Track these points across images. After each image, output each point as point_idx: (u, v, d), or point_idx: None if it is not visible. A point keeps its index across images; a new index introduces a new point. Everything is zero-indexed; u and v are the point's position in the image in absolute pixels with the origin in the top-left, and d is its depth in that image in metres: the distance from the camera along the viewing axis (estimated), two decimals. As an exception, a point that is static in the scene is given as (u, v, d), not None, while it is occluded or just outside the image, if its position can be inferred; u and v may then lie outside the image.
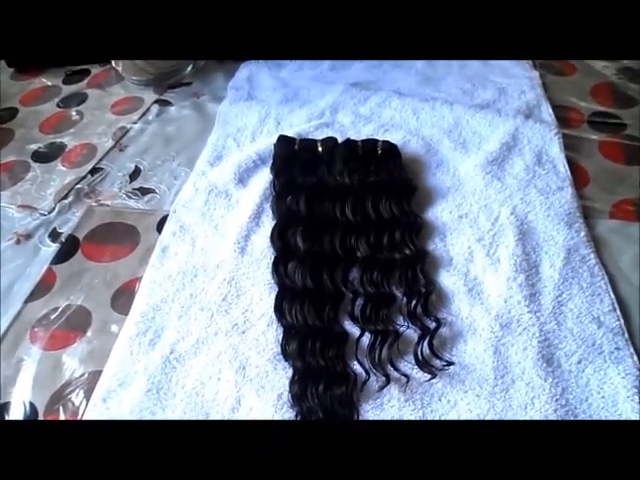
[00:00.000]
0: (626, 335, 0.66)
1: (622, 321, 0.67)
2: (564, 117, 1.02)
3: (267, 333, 0.70)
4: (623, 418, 0.58)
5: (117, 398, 0.66)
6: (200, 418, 0.63)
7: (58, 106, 1.22)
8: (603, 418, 0.58)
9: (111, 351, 0.71)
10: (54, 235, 0.90)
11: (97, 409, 0.65)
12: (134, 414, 0.64)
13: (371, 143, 0.93)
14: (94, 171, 1.03)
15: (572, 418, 0.58)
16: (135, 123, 1.14)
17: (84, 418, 0.65)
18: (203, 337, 0.70)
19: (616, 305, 0.69)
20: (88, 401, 0.67)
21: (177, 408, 0.64)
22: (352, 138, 0.95)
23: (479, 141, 0.97)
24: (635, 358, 0.63)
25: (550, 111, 1.02)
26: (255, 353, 0.68)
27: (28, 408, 0.67)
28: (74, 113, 1.19)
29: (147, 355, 0.69)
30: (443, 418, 0.60)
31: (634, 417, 0.58)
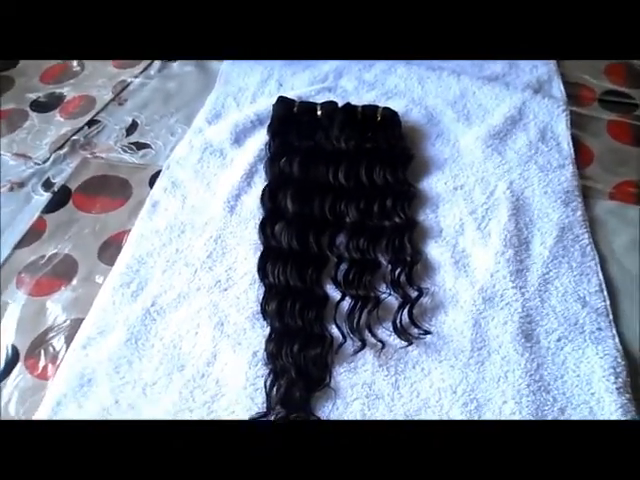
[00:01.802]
0: (610, 316, 0.64)
1: (607, 302, 0.66)
2: (575, 94, 0.98)
3: (248, 292, 0.70)
4: (596, 397, 0.57)
5: (96, 346, 0.66)
6: (176, 370, 0.63)
7: (60, 56, 1.20)
8: (575, 395, 0.58)
9: (94, 300, 0.72)
10: (47, 184, 0.90)
11: (76, 355, 0.66)
12: (112, 362, 0.64)
13: (371, 109, 0.91)
14: (91, 123, 1.01)
15: (544, 394, 0.58)
16: (136, 77, 1.12)
17: (63, 363, 0.66)
18: (185, 292, 0.71)
19: (603, 286, 0.67)
20: (68, 347, 0.67)
21: (154, 359, 0.64)
22: (353, 103, 0.93)
23: (483, 114, 0.94)
24: (616, 340, 0.62)
25: (561, 87, 0.99)
26: (235, 310, 0.68)
27: (10, 350, 0.68)
28: (75, 64, 1.17)
29: (129, 306, 0.70)
30: (415, 385, 0.59)
31: (607, 397, 0.57)
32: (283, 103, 0.94)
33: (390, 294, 0.68)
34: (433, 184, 0.82)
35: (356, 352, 0.62)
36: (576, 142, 0.88)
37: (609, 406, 0.56)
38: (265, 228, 0.76)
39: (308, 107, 0.93)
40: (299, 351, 0.62)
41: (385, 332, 0.64)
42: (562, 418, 0.56)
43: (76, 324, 0.70)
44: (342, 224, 0.76)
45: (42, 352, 0.68)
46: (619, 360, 0.60)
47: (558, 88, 0.99)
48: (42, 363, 0.67)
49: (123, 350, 0.65)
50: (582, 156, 0.86)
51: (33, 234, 0.82)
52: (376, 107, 0.91)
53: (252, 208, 0.80)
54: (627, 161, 0.85)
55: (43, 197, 0.88)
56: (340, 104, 0.93)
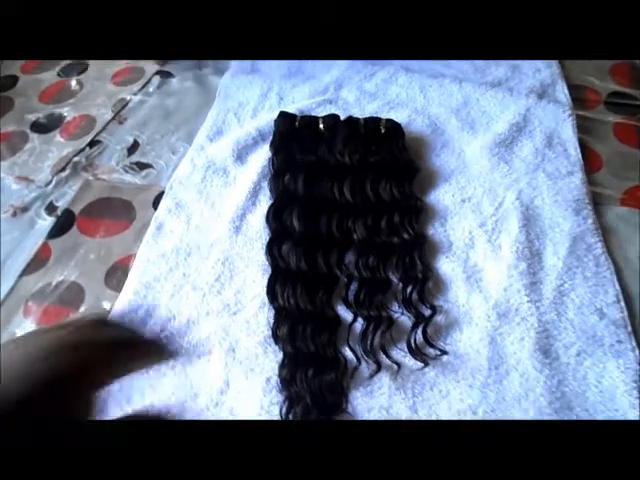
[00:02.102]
0: (629, 328, 0.63)
1: (626, 313, 0.65)
2: (580, 97, 0.97)
3: (258, 315, 0.69)
4: (620, 413, 0.56)
5: (106, 376, 0.65)
6: (189, 399, 0.62)
7: (59, 75, 1.19)
8: (599, 412, 0.57)
9: (103, 328, 0.71)
10: (50, 208, 0.89)
11: (86, 386, 0.65)
12: (123, 392, 0.63)
13: (374, 121, 0.90)
14: (92, 144, 1.01)
15: (567, 411, 0.57)
16: (135, 95, 1.11)
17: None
18: (194, 317, 0.70)
19: (620, 297, 0.66)
20: (78, 378, 0.66)
21: (166, 388, 0.63)
22: (355, 116, 0.92)
23: (487, 121, 0.93)
24: (637, 352, 0.61)
25: (565, 91, 0.98)
26: (245, 335, 0.67)
27: (19, 383, 0.67)
28: (74, 83, 1.16)
29: (138, 333, 0.69)
30: (434, 408, 0.58)
31: (631, 412, 0.56)
32: (284, 118, 0.93)
33: (403, 313, 0.67)
34: (440, 197, 0.81)
35: (372, 376, 0.61)
36: (583, 147, 0.87)
37: (633, 424, 0.55)
38: (272, 249, 0.74)
39: (310, 121, 0.92)
40: (313, 376, 0.61)
41: (400, 353, 0.63)
42: (586, 437, 0.55)
43: (85, 354, 0.69)
44: (350, 242, 0.75)
45: (52, 384, 0.67)
46: (641, 374, 0.59)
47: (562, 92, 0.98)
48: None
49: (135, 381, 0.64)
50: (590, 161, 0.85)
51: (38, 261, 0.81)
52: (379, 119, 0.90)
53: (258, 228, 0.79)
54: (636, 165, 0.83)
55: (47, 222, 0.87)
56: (342, 116, 0.92)
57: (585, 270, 0.69)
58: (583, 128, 0.90)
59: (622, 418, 0.56)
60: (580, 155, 0.85)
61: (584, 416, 0.56)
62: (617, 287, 0.67)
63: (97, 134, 1.03)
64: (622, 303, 0.65)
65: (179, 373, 0.64)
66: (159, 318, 0.70)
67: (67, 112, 1.09)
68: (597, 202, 0.79)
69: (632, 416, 0.56)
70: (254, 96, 1.05)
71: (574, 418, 0.56)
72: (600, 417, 0.56)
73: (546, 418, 0.56)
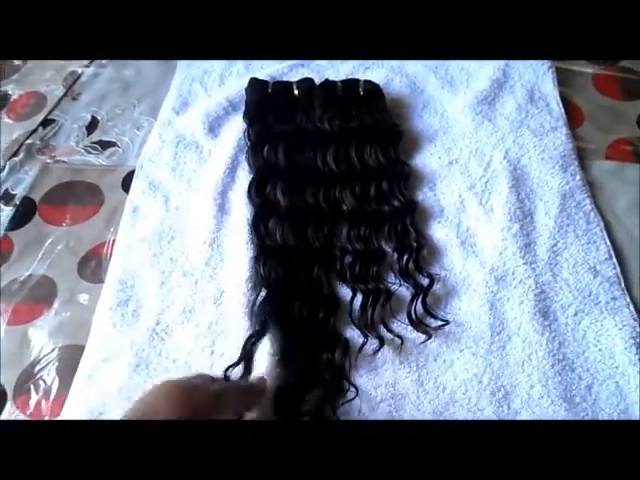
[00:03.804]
0: (622, 284, 0.64)
1: (618, 269, 0.65)
2: (556, 49, 0.95)
3: (257, 299, 0.65)
4: (620, 371, 0.57)
5: (103, 374, 0.61)
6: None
7: (-3, 48, 1.08)
8: (600, 371, 0.57)
9: (83, 323, 0.66)
10: (7, 197, 0.82)
11: (82, 387, 0.60)
12: (123, 391, 0.59)
13: (352, 84, 0.85)
14: (45, 123, 0.92)
15: (569, 373, 0.57)
16: (87, 67, 1.02)
17: (69, 399, 0.60)
18: (190, 306, 0.65)
19: (612, 253, 0.66)
20: (61, 379, 0.62)
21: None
22: (331, 79, 0.87)
23: (467, 78, 0.90)
24: (632, 308, 0.61)
25: (541, 42, 0.95)
26: (248, 322, 0.63)
27: (-4, 388, 0.63)
28: (16, 56, 1.05)
29: (132, 327, 0.64)
30: (439, 379, 0.58)
31: (631, 369, 0.57)
32: (256, 85, 0.87)
33: (400, 284, 0.65)
34: (427, 160, 0.79)
35: (376, 352, 0.59)
36: (564, 101, 0.85)
37: (634, 379, 0.56)
38: (258, 226, 0.71)
39: (284, 87, 0.87)
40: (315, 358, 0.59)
41: (400, 326, 0.62)
42: (590, 396, 0.55)
43: (66, 352, 0.64)
44: (339, 213, 0.72)
45: (32, 387, 0.63)
46: (638, 330, 0.59)
47: (539, 44, 0.96)
48: (34, 400, 0.62)
49: (134, 377, 0.60)
50: (572, 115, 0.83)
51: (0, 256, 0.75)
52: (357, 81, 0.85)
53: (241, 205, 0.75)
54: (618, 117, 0.83)
55: (4, 212, 0.80)
56: (317, 80, 0.87)
57: (576, 228, 0.69)
58: (562, 81, 0.89)
59: (622, 375, 0.57)
60: (562, 110, 0.83)
61: (586, 376, 0.57)
62: (608, 243, 0.67)
63: (49, 112, 0.94)
64: (614, 259, 0.66)
65: (182, 366, 0.61)
66: (152, 309, 0.66)
67: (12, 89, 0.99)
68: (582, 157, 0.78)
69: (632, 373, 0.56)
70: (220, 62, 0.98)
71: (576, 379, 0.57)
72: (601, 376, 0.57)
73: (550, 381, 0.56)
